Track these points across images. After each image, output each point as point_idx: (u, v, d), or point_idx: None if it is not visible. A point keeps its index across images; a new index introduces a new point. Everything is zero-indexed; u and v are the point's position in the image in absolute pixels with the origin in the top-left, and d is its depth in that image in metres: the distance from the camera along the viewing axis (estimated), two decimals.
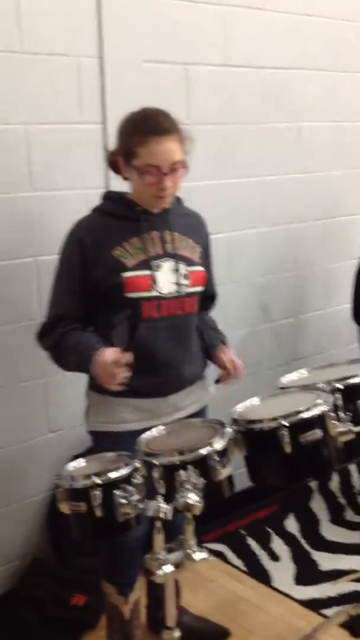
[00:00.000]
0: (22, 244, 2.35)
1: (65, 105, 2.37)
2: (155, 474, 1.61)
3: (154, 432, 1.80)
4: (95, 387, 2.02)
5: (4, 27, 2.20)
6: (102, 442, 2.04)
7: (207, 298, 2.20)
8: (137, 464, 1.67)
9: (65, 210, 2.35)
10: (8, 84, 2.23)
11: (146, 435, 1.78)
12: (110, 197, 2.05)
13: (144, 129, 1.88)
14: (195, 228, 2.12)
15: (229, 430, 1.72)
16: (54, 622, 2.35)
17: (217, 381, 2.12)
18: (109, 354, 1.84)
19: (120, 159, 1.96)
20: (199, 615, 2.41)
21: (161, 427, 1.82)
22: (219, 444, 1.65)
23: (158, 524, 1.54)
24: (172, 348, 2.00)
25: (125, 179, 2.02)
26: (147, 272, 1.95)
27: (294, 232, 3.16)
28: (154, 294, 1.95)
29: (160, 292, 1.96)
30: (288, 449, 1.67)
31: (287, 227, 3.12)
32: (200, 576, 2.65)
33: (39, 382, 2.48)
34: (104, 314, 1.99)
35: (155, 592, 2.29)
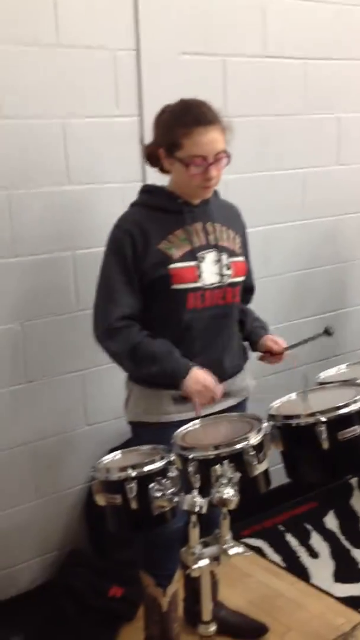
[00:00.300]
0: (60, 238, 2.36)
1: (102, 98, 2.37)
2: (191, 468, 1.61)
3: (190, 425, 1.80)
4: (136, 378, 2.03)
5: (42, 21, 2.20)
6: (142, 433, 2.05)
7: (246, 290, 2.20)
8: (173, 458, 1.67)
9: (103, 203, 2.37)
10: (45, 78, 2.24)
11: (182, 428, 1.78)
12: (150, 191, 2.06)
13: (188, 119, 1.88)
14: (233, 219, 2.13)
15: (265, 425, 1.71)
16: (92, 613, 2.38)
17: (261, 358, 2.15)
18: (210, 381, 1.92)
19: (161, 151, 1.95)
20: (237, 610, 2.39)
21: (197, 421, 1.82)
22: (255, 439, 1.64)
23: (193, 517, 1.54)
24: (213, 339, 2.02)
25: (164, 171, 2.02)
26: (192, 263, 1.96)
27: (333, 225, 3.11)
28: (199, 284, 1.97)
29: (204, 283, 1.97)
30: (326, 445, 1.66)
31: (327, 220, 3.08)
32: (238, 571, 2.64)
33: (77, 375, 2.49)
34: (147, 306, 1.99)
35: (193, 585, 2.29)
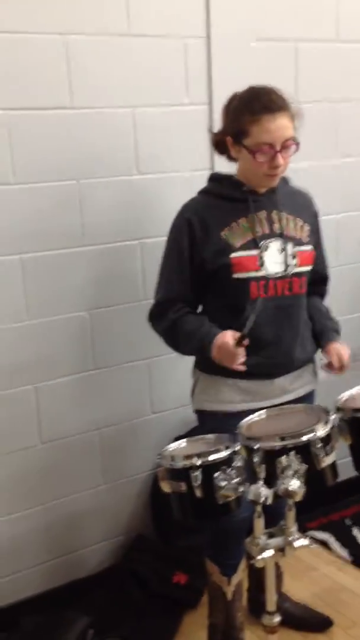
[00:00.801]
0: (128, 227, 2.38)
1: (172, 87, 2.37)
2: (256, 459, 1.60)
3: (255, 416, 1.79)
4: (203, 366, 2.04)
5: (113, 11, 2.21)
6: (208, 421, 2.05)
7: (319, 281, 2.17)
8: (238, 447, 1.66)
9: (171, 192, 2.37)
10: (115, 67, 2.25)
11: (248, 419, 1.77)
12: (217, 179, 2.04)
13: (256, 106, 1.85)
14: (303, 207, 2.09)
15: (333, 417, 1.68)
16: (156, 599, 2.41)
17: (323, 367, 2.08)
18: (229, 336, 1.86)
19: (229, 138, 1.94)
20: (301, 602, 2.38)
21: (263, 412, 1.81)
22: (322, 431, 1.61)
23: (258, 508, 1.53)
24: (279, 329, 1.99)
25: (231, 159, 2.01)
26: (254, 252, 1.94)
27: None
28: (262, 274, 1.94)
29: (267, 272, 1.94)
30: None
31: None
32: (303, 564, 2.61)
33: (143, 363, 2.51)
34: (212, 294, 2.00)
35: (257, 576, 2.28)
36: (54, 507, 2.44)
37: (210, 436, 1.81)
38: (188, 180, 2.34)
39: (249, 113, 1.86)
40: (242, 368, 1.89)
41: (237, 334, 1.85)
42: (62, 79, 2.18)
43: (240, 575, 2.15)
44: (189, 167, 2.41)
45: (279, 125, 1.85)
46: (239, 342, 1.84)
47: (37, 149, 2.18)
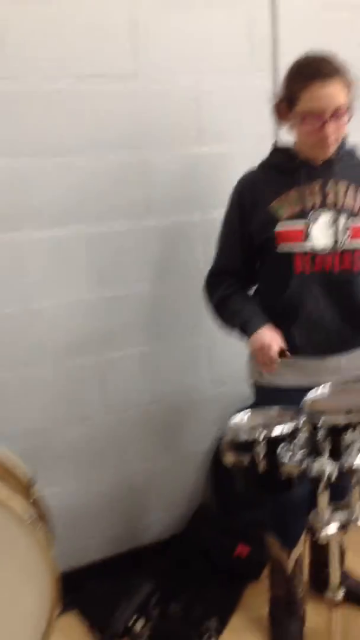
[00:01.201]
0: (191, 200, 2.37)
1: (236, 55, 2.33)
2: (321, 434, 1.57)
3: (320, 390, 1.76)
4: None
5: None
6: (261, 395, 2.05)
7: None
8: (302, 421, 1.64)
9: (233, 164, 2.32)
10: (178, 37, 2.22)
11: (313, 392, 1.74)
12: (277, 150, 2.01)
13: (306, 73, 1.80)
14: None
15: None
16: (218, 570, 2.43)
17: None
18: (275, 342, 1.83)
19: (283, 105, 1.89)
20: None
21: (328, 386, 1.78)
22: None
23: (322, 484, 1.52)
24: (329, 306, 1.92)
25: (290, 128, 1.95)
26: (301, 224, 1.88)
27: None
28: (308, 247, 1.88)
29: (314, 246, 1.88)
30: None
31: None
32: None
33: (205, 337, 2.51)
34: (261, 268, 1.98)
35: (319, 551, 2.28)
36: (118, 476, 2.48)
37: (274, 410, 1.80)
38: (251, 152, 2.29)
39: (300, 79, 1.81)
40: (271, 371, 1.88)
41: (282, 346, 1.83)
42: (127, 49, 2.16)
43: (300, 549, 2.15)
44: (252, 138, 2.37)
45: (329, 93, 1.78)
46: (281, 354, 1.83)
47: (102, 120, 2.18)
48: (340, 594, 1.64)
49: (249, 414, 1.81)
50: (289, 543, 2.13)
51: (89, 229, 2.25)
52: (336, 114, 1.80)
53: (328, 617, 1.68)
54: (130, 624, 2.20)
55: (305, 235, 1.87)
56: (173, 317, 2.45)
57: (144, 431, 2.49)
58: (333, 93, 1.79)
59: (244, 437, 1.65)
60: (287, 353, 1.83)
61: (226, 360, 2.55)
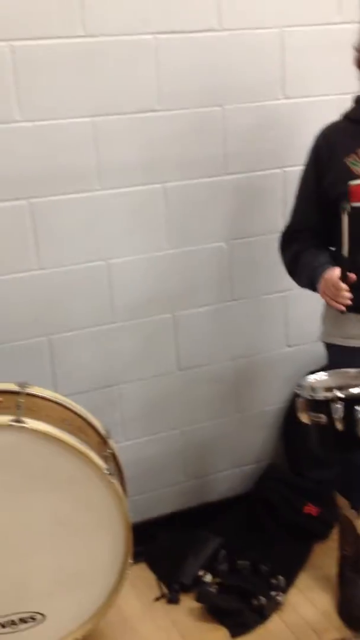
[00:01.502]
0: (272, 154, 2.33)
1: (322, 4, 2.24)
2: None
3: None
4: None
5: None
6: (332, 355, 2.03)
7: None
8: None
9: (317, 118, 2.25)
10: None
11: None
12: (355, 101, 1.95)
13: None
14: None
15: None
16: (287, 527, 2.44)
17: None
18: (334, 272, 1.81)
19: None
20: None
21: None
22: None
23: None
24: None
25: None
26: None
27: None
28: None
29: None
30: None
31: None
32: None
33: (280, 295, 2.49)
34: (335, 224, 1.90)
35: None
36: (190, 432, 2.51)
37: (352, 370, 1.78)
38: (336, 105, 2.22)
39: None
40: (342, 308, 1.82)
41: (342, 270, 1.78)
42: (210, 1, 2.12)
43: None
44: (337, 90, 2.29)
45: None
46: (343, 277, 1.77)
47: (183, 73, 2.15)
48: None
49: (327, 373, 1.80)
50: (359, 502, 2.11)
51: (168, 183, 2.24)
52: None
53: None
54: (197, 578, 2.24)
55: None
56: (250, 273, 2.43)
57: (216, 388, 2.50)
58: None
59: (321, 395, 1.64)
60: (351, 275, 1.78)
61: (301, 319, 2.53)
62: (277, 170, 2.34)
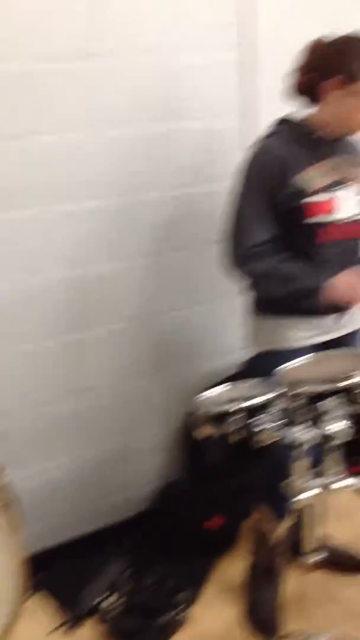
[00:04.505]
0: (164, 182, 2.34)
1: (202, 31, 2.30)
2: (298, 403, 1.59)
3: (298, 361, 1.79)
4: (261, 311, 2.08)
5: None
6: (276, 361, 2.03)
7: None
8: (278, 392, 1.66)
9: (198, 141, 2.32)
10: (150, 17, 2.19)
11: (289, 363, 1.77)
12: (289, 123, 2.03)
13: None
14: None
15: None
16: (190, 541, 2.43)
17: None
18: (351, 274, 1.95)
19: (337, 79, 1.91)
20: (342, 544, 2.40)
21: (306, 357, 1.81)
22: None
23: (299, 451, 1.53)
24: (344, 270, 2.01)
25: (313, 102, 1.99)
26: (327, 197, 1.96)
27: None
28: (333, 218, 1.97)
29: (340, 216, 1.98)
30: None
31: None
32: (345, 506, 2.61)
33: (175, 314, 2.50)
34: (286, 239, 2.00)
35: (298, 517, 2.30)
36: (86, 456, 2.46)
37: (251, 381, 1.81)
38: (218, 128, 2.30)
39: None
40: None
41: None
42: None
43: (291, 520, 2.17)
44: (219, 115, 2.37)
45: None
46: None
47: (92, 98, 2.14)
48: (316, 558, 1.67)
49: (224, 386, 1.82)
50: (281, 513, 2.15)
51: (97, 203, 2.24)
52: None
53: (305, 581, 1.70)
54: (99, 601, 2.20)
55: (331, 207, 1.96)
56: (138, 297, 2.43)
57: (111, 410, 2.47)
58: None
59: (218, 409, 1.66)
60: None
61: (193, 337, 2.55)
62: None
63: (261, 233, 1.97)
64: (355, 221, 2.01)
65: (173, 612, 2.13)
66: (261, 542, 2.20)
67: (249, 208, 1.97)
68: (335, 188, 1.98)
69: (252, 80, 2.38)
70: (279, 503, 2.12)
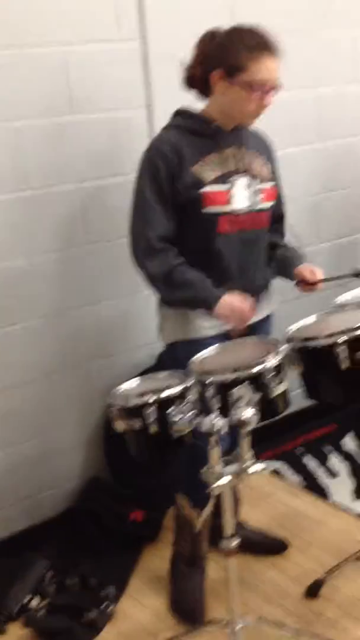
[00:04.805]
0: (69, 173, 2.32)
1: (103, 23, 2.28)
2: (210, 392, 1.62)
3: (207, 351, 1.81)
4: (166, 302, 2.08)
5: None
6: (183, 351, 2.04)
7: (278, 218, 2.24)
8: (191, 382, 1.68)
9: (106, 132, 2.32)
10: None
11: (200, 354, 1.80)
12: (186, 114, 2.04)
13: (256, 43, 1.89)
14: (263, 146, 2.15)
15: (284, 347, 1.71)
16: (113, 537, 2.43)
17: (296, 285, 2.14)
18: (241, 302, 1.94)
19: (218, 72, 1.92)
20: (258, 528, 2.45)
21: (215, 346, 1.84)
22: (273, 361, 1.64)
23: (213, 439, 1.55)
24: (245, 261, 2.05)
25: (203, 95, 2.00)
26: (224, 188, 1.98)
27: (350, 148, 3.03)
28: (230, 209, 1.98)
29: (235, 207, 1.99)
30: (344, 365, 1.66)
31: (343, 142, 3.00)
32: (259, 492, 2.68)
33: (89, 308, 2.48)
34: (183, 230, 2.00)
35: (216, 505, 2.33)
36: (7, 454, 2.42)
37: (162, 373, 1.83)
38: (125, 119, 2.29)
39: (247, 49, 1.88)
40: (243, 326, 1.98)
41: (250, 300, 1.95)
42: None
43: (211, 507, 2.19)
44: (124, 106, 2.36)
45: (276, 66, 1.91)
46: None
47: None
48: (235, 542, 1.70)
49: (138, 379, 1.83)
50: (200, 502, 2.16)
51: None
52: (275, 86, 1.93)
53: (224, 566, 1.74)
54: (24, 602, 2.17)
55: (228, 197, 1.97)
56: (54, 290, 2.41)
57: (31, 406, 2.44)
58: (277, 67, 1.92)
59: (133, 402, 1.67)
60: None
61: (115, 328, 2.54)
62: (72, 186, 2.33)
63: (161, 224, 1.97)
64: (252, 212, 2.03)
65: (100, 608, 2.12)
66: (182, 531, 2.22)
67: (149, 200, 1.97)
68: (231, 179, 1.99)
69: (158, 71, 2.38)
70: (198, 491, 2.14)
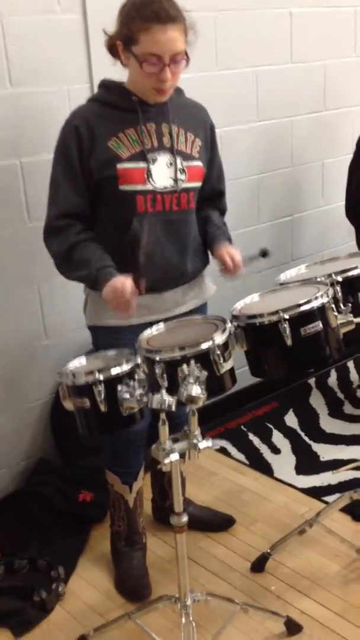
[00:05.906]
0: (4, 146, 2.26)
1: None
2: (158, 370, 1.62)
3: (154, 329, 1.81)
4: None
5: None
6: (102, 337, 2.05)
7: (216, 195, 2.15)
8: (139, 360, 1.68)
9: (47, 106, 2.27)
10: None
11: (147, 332, 1.79)
12: (106, 86, 1.96)
13: (147, 13, 1.76)
14: (197, 120, 2.04)
15: (229, 325, 1.73)
16: (62, 518, 2.44)
17: (220, 271, 2.08)
18: (127, 285, 1.81)
19: (119, 43, 1.85)
20: (204, 505, 2.48)
21: (161, 325, 1.83)
22: (220, 339, 1.66)
23: (162, 416, 1.57)
24: (168, 244, 1.97)
25: (124, 65, 1.91)
26: (142, 165, 1.90)
27: (288, 127, 3.07)
28: (149, 187, 1.91)
29: (155, 186, 1.91)
30: (289, 341, 1.68)
31: (281, 121, 3.03)
32: (204, 470, 2.72)
33: (34, 288, 2.45)
34: (99, 208, 1.94)
35: (160, 484, 2.36)
36: None
37: (111, 352, 1.82)
38: (65, 93, 2.24)
39: (140, 19, 1.77)
40: (126, 317, 1.87)
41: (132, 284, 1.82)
42: None
43: (141, 482, 2.20)
44: (65, 80, 2.31)
45: (170, 37, 1.77)
46: (136, 282, 1.82)
47: None
48: (185, 518, 1.72)
49: (86, 358, 1.82)
50: (131, 477, 2.17)
51: None
52: (175, 59, 1.81)
53: (174, 543, 1.75)
54: None
55: (147, 175, 1.89)
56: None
57: None
58: (173, 38, 1.78)
59: (82, 380, 1.66)
60: (142, 285, 1.83)
61: (60, 308, 2.51)
62: (15, 161, 2.29)
63: (66, 200, 1.89)
64: (175, 193, 1.94)
65: (50, 589, 2.12)
66: (117, 510, 2.22)
67: (58, 176, 1.91)
68: (150, 156, 1.90)
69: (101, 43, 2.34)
70: (127, 466, 2.16)
